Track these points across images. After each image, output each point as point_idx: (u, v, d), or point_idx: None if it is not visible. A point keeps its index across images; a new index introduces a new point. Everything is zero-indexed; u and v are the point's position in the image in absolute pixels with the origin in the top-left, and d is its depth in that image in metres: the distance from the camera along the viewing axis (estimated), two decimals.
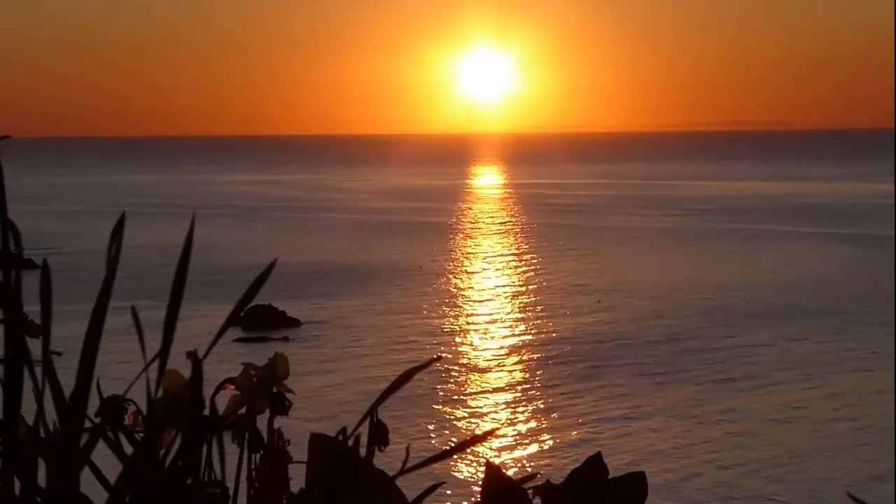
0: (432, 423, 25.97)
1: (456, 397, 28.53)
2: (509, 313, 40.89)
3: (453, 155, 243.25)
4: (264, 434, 2.21)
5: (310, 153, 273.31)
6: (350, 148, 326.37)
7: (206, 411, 2.00)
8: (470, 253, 59.41)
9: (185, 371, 1.97)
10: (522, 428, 26.10)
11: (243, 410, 2.21)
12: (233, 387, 2.22)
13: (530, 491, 2.39)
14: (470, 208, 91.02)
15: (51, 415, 1.85)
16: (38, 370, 1.86)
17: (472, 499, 17.29)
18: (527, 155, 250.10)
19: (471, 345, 35.11)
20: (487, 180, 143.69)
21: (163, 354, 1.87)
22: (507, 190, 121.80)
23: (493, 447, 24.05)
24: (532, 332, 37.29)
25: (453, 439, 24.21)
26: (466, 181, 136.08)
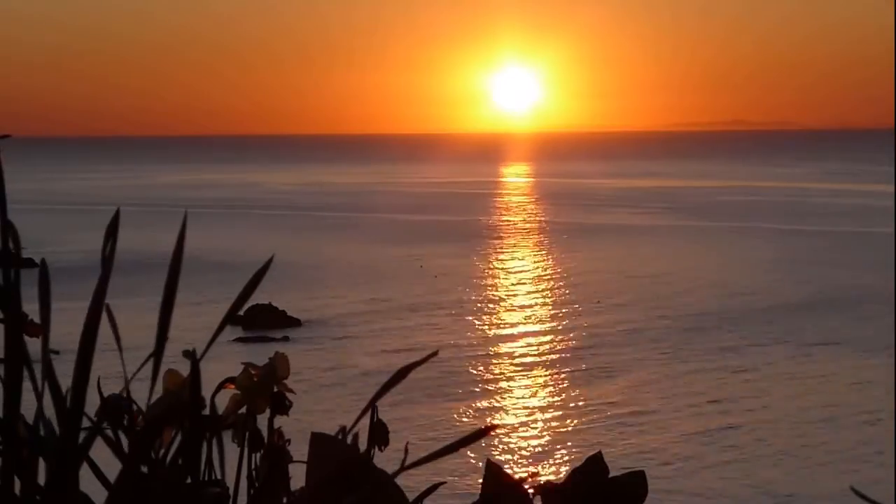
0: (432, 419, 25.97)
1: (455, 393, 28.53)
2: (509, 311, 40.90)
3: (474, 154, 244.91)
4: (264, 434, 2.21)
5: (352, 151, 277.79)
6: (387, 146, 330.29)
7: (206, 411, 2.00)
8: (470, 252, 59.40)
9: (184, 369, 1.97)
10: (523, 424, 26.12)
11: (243, 410, 2.20)
12: (233, 386, 2.21)
13: (531, 490, 2.39)
14: (472, 207, 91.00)
15: (50, 413, 1.85)
16: (38, 369, 1.86)
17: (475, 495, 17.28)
18: (537, 154, 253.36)
19: (470, 342, 35.11)
20: (496, 179, 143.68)
21: (157, 353, 1.86)
22: (511, 188, 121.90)
23: (495, 445, 24.05)
24: (531, 329, 37.31)
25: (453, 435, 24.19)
26: (473, 180, 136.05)
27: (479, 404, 28.04)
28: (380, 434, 2.24)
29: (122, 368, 1.91)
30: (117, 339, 1.94)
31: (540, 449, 24.40)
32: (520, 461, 23.18)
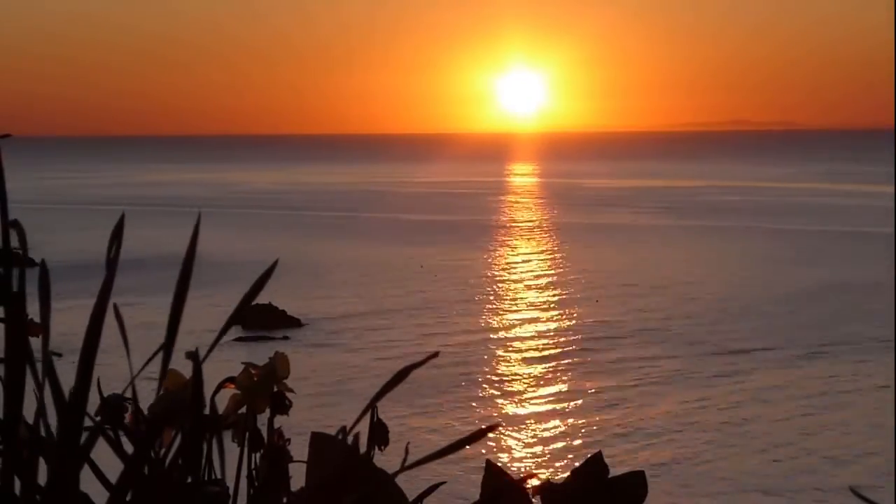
0: (432, 419, 25.97)
1: (455, 393, 28.53)
2: (509, 310, 40.89)
3: (479, 153, 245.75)
4: (264, 433, 2.21)
5: (362, 150, 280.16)
6: (394, 146, 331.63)
7: (206, 410, 2.00)
8: (471, 251, 59.40)
9: (186, 370, 1.97)
10: (522, 423, 26.12)
11: (243, 410, 2.21)
12: (233, 386, 2.22)
13: (530, 490, 2.40)
14: (475, 207, 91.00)
15: (51, 413, 1.85)
16: (39, 369, 1.86)
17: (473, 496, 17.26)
18: (543, 154, 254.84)
19: (470, 341, 35.10)
20: (500, 179, 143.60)
21: (166, 350, 1.87)
22: (515, 188, 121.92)
23: (495, 445, 24.05)
24: (530, 328, 37.29)
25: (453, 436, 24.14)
26: (477, 179, 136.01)
27: (478, 404, 28.03)
28: (380, 434, 2.25)
29: (129, 367, 1.91)
30: (125, 339, 1.94)
31: (540, 449, 24.40)
32: (519, 461, 23.18)
